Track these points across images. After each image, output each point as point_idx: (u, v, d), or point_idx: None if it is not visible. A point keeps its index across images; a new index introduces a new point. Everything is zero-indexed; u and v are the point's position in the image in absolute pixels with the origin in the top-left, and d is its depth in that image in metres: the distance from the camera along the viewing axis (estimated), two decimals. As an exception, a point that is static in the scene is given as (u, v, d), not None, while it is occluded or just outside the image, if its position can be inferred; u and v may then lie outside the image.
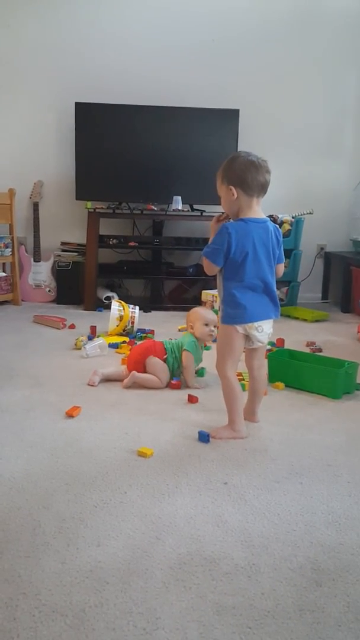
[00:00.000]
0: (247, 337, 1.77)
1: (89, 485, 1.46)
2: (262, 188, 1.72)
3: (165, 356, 2.27)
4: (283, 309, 3.87)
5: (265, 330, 1.77)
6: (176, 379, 2.28)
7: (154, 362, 2.24)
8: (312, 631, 0.98)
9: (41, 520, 1.29)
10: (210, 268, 1.75)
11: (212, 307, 3.45)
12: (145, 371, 2.25)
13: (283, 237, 3.85)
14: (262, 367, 1.90)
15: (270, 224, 1.76)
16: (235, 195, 1.70)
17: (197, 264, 4.14)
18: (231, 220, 1.75)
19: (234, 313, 1.73)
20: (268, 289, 1.76)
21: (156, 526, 1.28)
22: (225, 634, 0.97)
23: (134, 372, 2.23)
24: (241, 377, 2.26)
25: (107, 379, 2.31)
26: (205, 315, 2.31)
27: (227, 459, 1.64)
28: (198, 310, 2.36)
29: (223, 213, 1.80)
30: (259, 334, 1.76)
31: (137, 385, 2.23)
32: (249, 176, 1.68)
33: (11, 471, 1.52)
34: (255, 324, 1.74)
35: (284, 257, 1.83)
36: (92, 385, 2.24)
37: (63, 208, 4.23)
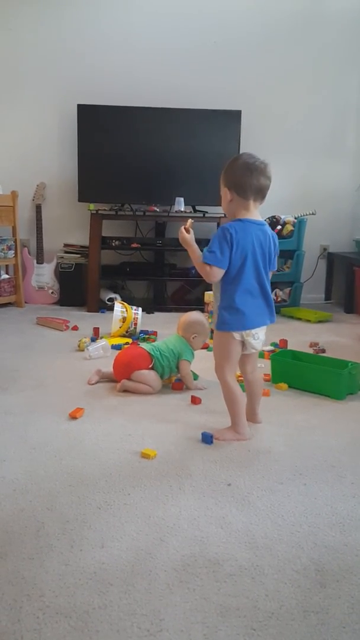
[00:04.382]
0: (242, 344, 1.76)
1: (92, 487, 1.46)
2: (258, 192, 1.69)
3: (151, 364, 2.21)
4: (286, 310, 3.89)
5: (260, 337, 1.77)
6: (178, 380, 2.28)
7: (139, 374, 2.18)
8: (316, 633, 0.98)
9: (45, 522, 1.29)
10: (214, 274, 1.68)
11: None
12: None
13: (286, 238, 3.88)
14: (256, 369, 1.90)
15: (268, 229, 1.75)
16: (230, 198, 1.69)
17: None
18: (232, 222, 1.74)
19: (232, 319, 1.72)
20: (265, 292, 1.75)
21: (160, 528, 1.28)
22: (230, 635, 0.97)
23: (124, 380, 2.20)
24: (241, 379, 2.25)
25: (109, 378, 2.31)
26: (208, 331, 2.34)
27: (231, 460, 1.64)
28: (206, 325, 2.33)
29: (187, 222, 1.77)
30: (255, 341, 1.76)
31: (139, 393, 2.20)
32: (243, 180, 1.66)
33: (14, 473, 1.53)
34: (252, 331, 1.74)
35: (276, 264, 1.82)
36: (90, 384, 2.26)
37: (66, 210, 4.23)
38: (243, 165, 1.67)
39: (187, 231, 1.76)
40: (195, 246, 1.74)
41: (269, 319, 1.78)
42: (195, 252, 1.73)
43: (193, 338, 2.28)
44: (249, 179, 1.66)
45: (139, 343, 2.84)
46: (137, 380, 2.19)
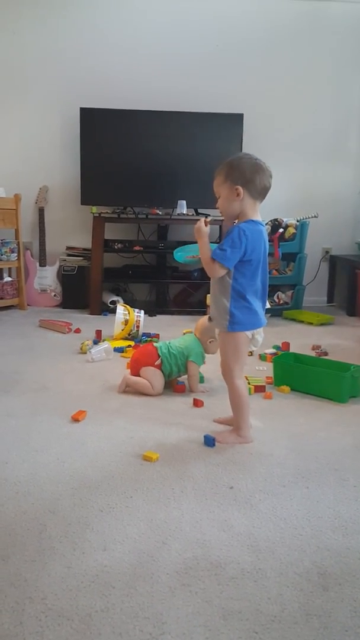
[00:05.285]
0: None
1: (94, 490, 1.46)
2: (265, 192, 1.70)
3: (157, 361, 2.21)
4: (288, 313, 3.89)
5: (262, 334, 1.79)
6: (180, 382, 2.28)
7: (145, 370, 2.21)
8: (318, 636, 0.98)
9: (47, 525, 1.29)
10: (218, 271, 1.68)
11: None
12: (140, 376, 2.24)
13: (288, 241, 3.88)
14: None
15: None
16: (240, 196, 1.66)
17: (202, 268, 4.13)
18: (237, 222, 1.73)
19: (246, 319, 1.72)
20: (264, 292, 1.76)
21: (162, 530, 1.28)
22: (232, 638, 0.96)
23: (125, 374, 2.23)
24: (248, 381, 2.25)
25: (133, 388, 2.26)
26: None
27: (233, 463, 1.63)
28: None
29: (207, 216, 1.78)
30: (260, 337, 1.78)
31: (139, 390, 2.22)
32: (257, 178, 1.65)
33: (17, 475, 1.53)
34: (260, 329, 1.76)
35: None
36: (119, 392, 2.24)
37: (68, 213, 4.24)
38: (254, 165, 1.66)
39: (206, 224, 1.75)
40: (207, 240, 1.73)
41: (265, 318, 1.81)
42: (206, 245, 1.72)
43: (209, 342, 2.25)
44: (260, 178, 1.66)
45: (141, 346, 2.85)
46: (142, 377, 2.21)
